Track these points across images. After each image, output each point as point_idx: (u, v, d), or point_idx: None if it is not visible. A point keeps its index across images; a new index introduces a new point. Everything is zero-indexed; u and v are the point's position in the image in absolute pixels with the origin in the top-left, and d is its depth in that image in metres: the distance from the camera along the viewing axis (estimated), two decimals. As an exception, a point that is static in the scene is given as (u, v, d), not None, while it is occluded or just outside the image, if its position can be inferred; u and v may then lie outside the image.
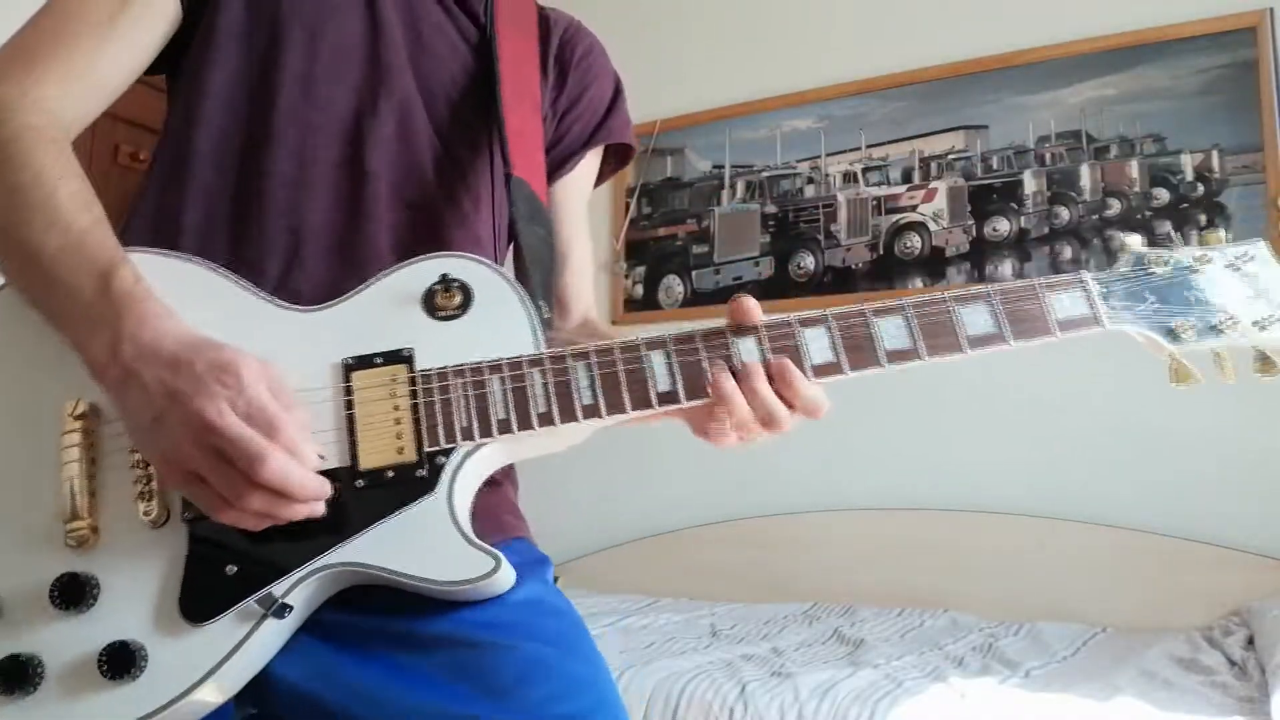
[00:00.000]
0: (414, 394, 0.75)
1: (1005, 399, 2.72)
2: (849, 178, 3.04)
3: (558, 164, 1.01)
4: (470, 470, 0.75)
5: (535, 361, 0.76)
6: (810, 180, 3.10)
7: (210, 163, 0.87)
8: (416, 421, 0.75)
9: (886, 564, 2.74)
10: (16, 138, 0.76)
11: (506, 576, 0.74)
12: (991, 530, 2.67)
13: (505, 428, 0.75)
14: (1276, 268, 0.81)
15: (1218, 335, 0.80)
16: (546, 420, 0.75)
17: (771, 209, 3.14)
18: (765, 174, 3.17)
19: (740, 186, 3.21)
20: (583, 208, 1.05)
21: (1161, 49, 2.64)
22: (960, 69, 2.89)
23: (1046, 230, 2.74)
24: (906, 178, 2.95)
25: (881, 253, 2.95)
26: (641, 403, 0.76)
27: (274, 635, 0.73)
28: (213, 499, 0.68)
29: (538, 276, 0.86)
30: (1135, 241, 0.84)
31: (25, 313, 0.77)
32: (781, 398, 0.76)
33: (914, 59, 2.96)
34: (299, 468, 0.67)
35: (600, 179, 1.09)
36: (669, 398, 0.76)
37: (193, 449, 0.66)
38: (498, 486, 0.89)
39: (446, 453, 0.74)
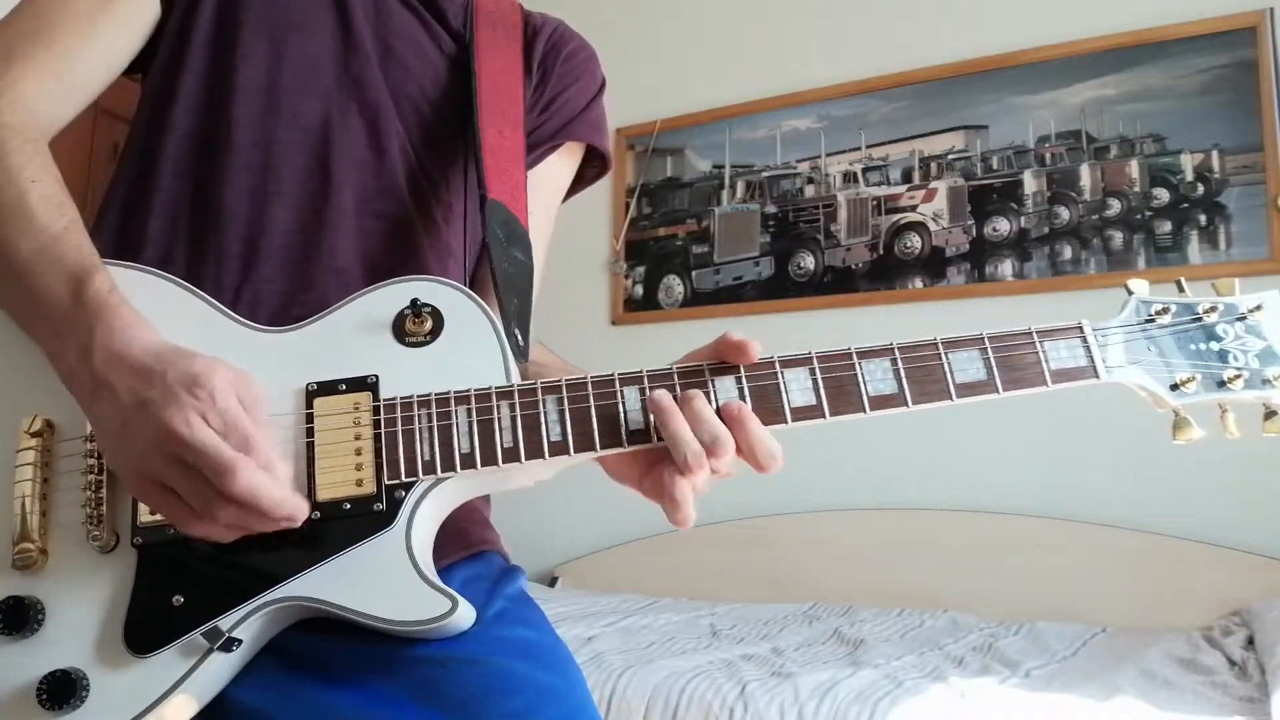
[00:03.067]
0: (376, 424, 0.72)
1: (1005, 399, 2.71)
2: (849, 178, 3.04)
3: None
4: (430, 505, 0.73)
5: (504, 394, 0.73)
6: (810, 180, 3.10)
7: (174, 171, 0.85)
8: (378, 452, 0.72)
9: (886, 564, 2.74)
10: None
11: (464, 617, 0.71)
12: (991, 530, 2.67)
13: (469, 462, 0.71)
14: None
15: (1224, 389, 0.76)
16: (512, 456, 0.71)
17: (771, 209, 3.14)
18: (765, 174, 3.17)
19: (740, 186, 3.21)
20: (542, 207, 0.98)
21: (1161, 49, 2.64)
22: (960, 69, 2.89)
23: (1046, 230, 2.74)
24: (906, 178, 2.95)
25: (881, 253, 2.95)
26: (612, 441, 0.72)
27: (223, 668, 0.70)
28: (183, 511, 0.66)
29: (513, 304, 0.83)
30: (1141, 288, 0.79)
31: None
32: (736, 443, 0.71)
33: (914, 59, 2.96)
34: (270, 482, 0.65)
35: (577, 186, 1.06)
36: (640, 436, 0.72)
37: (160, 460, 0.64)
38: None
39: (407, 486, 0.71)
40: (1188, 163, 2.58)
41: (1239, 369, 0.76)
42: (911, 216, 2.93)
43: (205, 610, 0.69)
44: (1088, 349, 0.77)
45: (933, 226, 2.89)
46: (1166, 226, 2.59)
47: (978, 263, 2.82)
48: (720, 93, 3.23)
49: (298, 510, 0.67)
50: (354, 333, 0.76)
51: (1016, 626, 2.38)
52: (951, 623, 2.45)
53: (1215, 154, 2.55)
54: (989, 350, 0.76)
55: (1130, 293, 0.79)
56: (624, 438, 0.72)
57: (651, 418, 0.72)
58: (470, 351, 0.75)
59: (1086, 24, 2.74)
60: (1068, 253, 2.71)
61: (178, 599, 0.69)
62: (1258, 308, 0.77)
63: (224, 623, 0.68)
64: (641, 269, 3.31)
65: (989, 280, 2.80)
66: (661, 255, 3.28)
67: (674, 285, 3.25)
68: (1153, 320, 0.77)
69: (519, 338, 0.80)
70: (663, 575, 2.98)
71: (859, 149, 3.04)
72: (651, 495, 0.76)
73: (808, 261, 3.05)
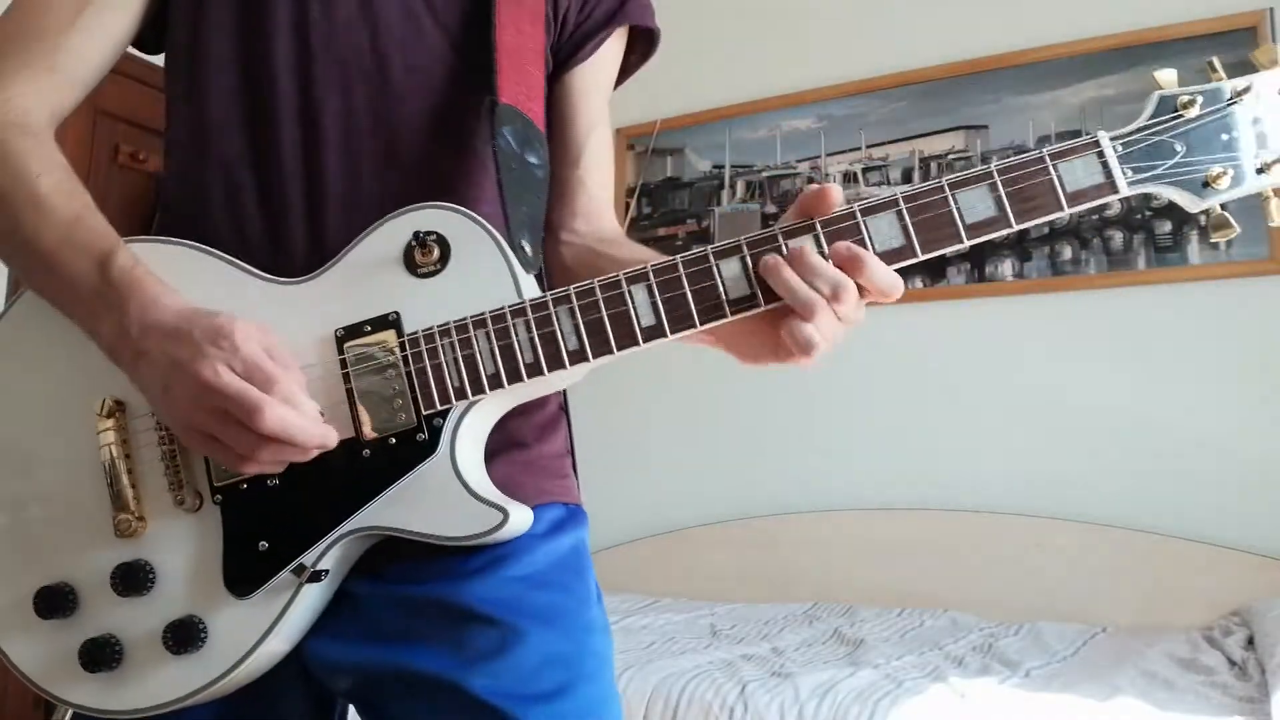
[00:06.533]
0: (405, 359, 0.76)
1: (1006, 399, 2.72)
2: (849, 178, 3.04)
3: (576, 48, 0.96)
4: (469, 426, 0.77)
5: (518, 311, 0.75)
6: (810, 180, 3.10)
7: (225, 132, 0.86)
8: (411, 386, 0.76)
9: (886, 564, 2.75)
10: None
11: (517, 524, 0.76)
12: (991, 530, 2.67)
13: (495, 383, 0.75)
14: None
15: (1263, 176, 0.70)
16: (535, 371, 0.75)
17: (771, 209, 3.14)
18: (765, 174, 3.17)
19: (740, 186, 3.21)
20: (602, 99, 1.00)
21: (1161, 49, 2.64)
22: (960, 69, 2.89)
23: (1046, 230, 2.74)
24: (906, 178, 2.95)
25: (881, 253, 2.95)
26: (628, 341, 0.74)
27: (318, 593, 0.78)
28: (230, 456, 0.72)
29: (521, 211, 0.83)
30: (1169, 79, 0.72)
31: (48, 316, 0.80)
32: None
33: (914, 59, 2.96)
34: (297, 416, 0.70)
35: (626, 72, 1.05)
36: (655, 332, 0.74)
37: (200, 412, 0.70)
38: (524, 449, 0.87)
39: (443, 414, 0.76)
40: (1188, 163, 2.58)
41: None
42: (911, 216, 2.93)
43: (289, 551, 0.76)
44: (1104, 163, 0.71)
45: (933, 226, 2.89)
46: (1166, 226, 2.59)
47: (978, 263, 2.82)
48: (720, 93, 3.23)
49: (327, 437, 0.73)
50: (369, 273, 0.79)
51: (1016, 626, 2.38)
52: (951, 623, 2.45)
53: (1215, 154, 2.55)
54: (998, 183, 0.72)
55: (1157, 85, 0.72)
56: (639, 335, 0.74)
57: (662, 313, 0.74)
58: (480, 272, 0.78)
59: (1086, 24, 2.74)
60: (1068, 253, 2.72)
61: (263, 545, 0.76)
62: None
63: (307, 559, 0.75)
64: (641, 269, 3.31)
65: (989, 280, 2.80)
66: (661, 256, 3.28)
67: (674, 285, 3.25)
68: (1180, 115, 0.71)
69: (526, 248, 0.81)
70: (663, 575, 2.98)
71: (859, 149, 3.04)
72: (775, 354, 0.77)
73: (808, 261, 3.05)
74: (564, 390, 0.94)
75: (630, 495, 3.15)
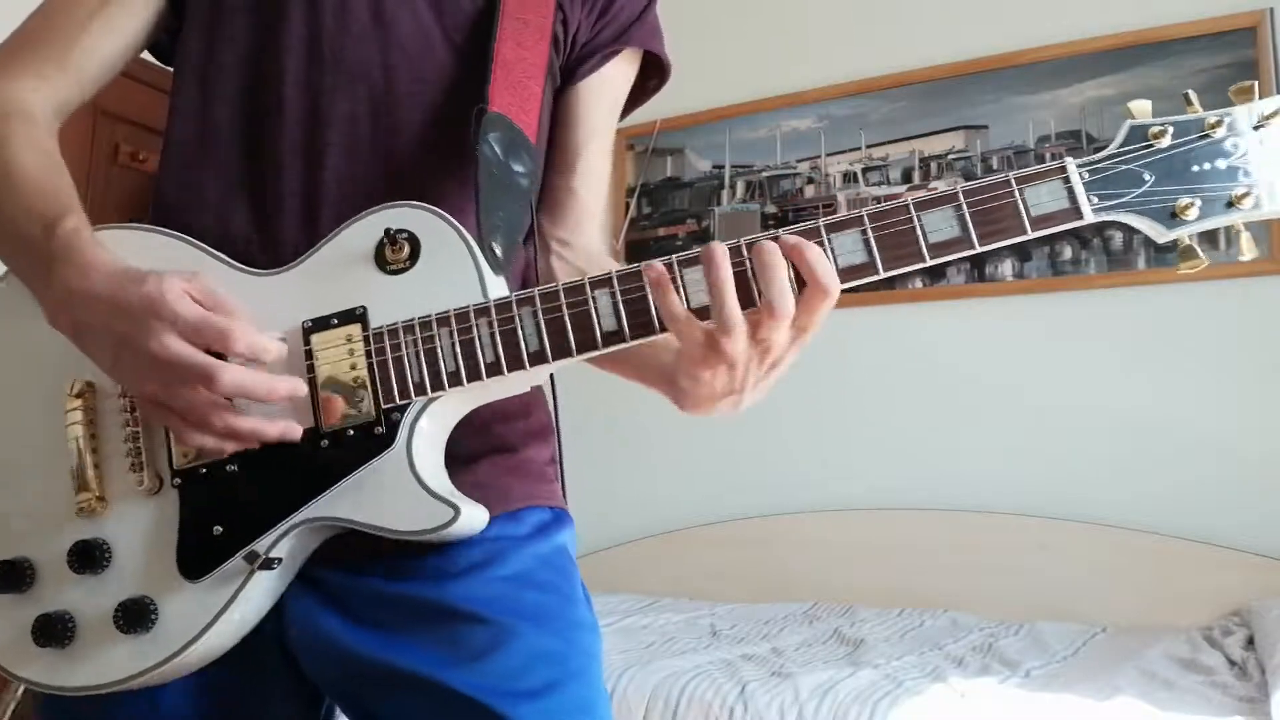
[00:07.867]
0: (369, 353, 0.78)
1: (1006, 399, 2.72)
2: (849, 178, 3.04)
3: (581, 62, 0.98)
4: (427, 422, 0.78)
5: (482, 311, 0.76)
6: (810, 180, 3.10)
7: (227, 136, 0.88)
8: (372, 380, 0.77)
9: (886, 564, 2.74)
10: None
11: (469, 522, 0.76)
12: (991, 530, 2.67)
13: (455, 380, 0.76)
14: None
15: (1232, 210, 0.70)
16: (495, 370, 0.76)
17: (771, 209, 3.14)
18: (765, 174, 3.17)
19: (740, 186, 3.21)
20: (605, 115, 1.02)
21: (1161, 49, 2.64)
22: (960, 69, 2.89)
23: (1046, 230, 2.74)
24: (906, 178, 2.95)
25: (881, 253, 2.95)
26: (588, 345, 0.75)
27: (271, 582, 0.78)
28: (182, 425, 0.74)
29: (497, 215, 0.84)
30: (1143, 109, 0.72)
31: (27, 296, 0.82)
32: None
33: (914, 59, 2.96)
34: (252, 373, 0.72)
35: (637, 100, 1.07)
36: (614, 338, 0.75)
37: (152, 383, 0.73)
38: (510, 454, 0.88)
39: (402, 408, 0.77)
40: (1188, 163, 2.58)
41: (1249, 186, 0.69)
42: (911, 216, 2.93)
43: (242, 537, 0.76)
44: (1069, 189, 0.71)
45: (933, 226, 2.89)
46: (1166, 226, 2.59)
47: (977, 262, 2.82)
48: (720, 93, 3.23)
49: (293, 387, 0.75)
50: (340, 268, 0.80)
51: (1016, 626, 2.38)
52: (951, 623, 2.45)
53: (1215, 154, 2.55)
54: (962, 204, 0.72)
55: (1128, 113, 0.73)
56: (599, 340, 0.75)
57: (624, 318, 0.74)
58: (449, 271, 0.79)
59: (1086, 24, 2.74)
60: (1067, 253, 2.71)
61: (217, 529, 0.77)
62: (1276, 112, 0.69)
63: (259, 545, 0.76)
64: (641, 269, 3.30)
65: (989, 280, 2.80)
66: (661, 255, 3.28)
67: (674, 285, 3.25)
68: (1150, 145, 0.71)
69: (497, 251, 0.82)
70: (663, 575, 2.98)
71: (859, 149, 3.04)
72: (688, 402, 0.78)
73: (808, 261, 3.04)
74: (555, 400, 0.95)
75: (630, 495, 3.15)
